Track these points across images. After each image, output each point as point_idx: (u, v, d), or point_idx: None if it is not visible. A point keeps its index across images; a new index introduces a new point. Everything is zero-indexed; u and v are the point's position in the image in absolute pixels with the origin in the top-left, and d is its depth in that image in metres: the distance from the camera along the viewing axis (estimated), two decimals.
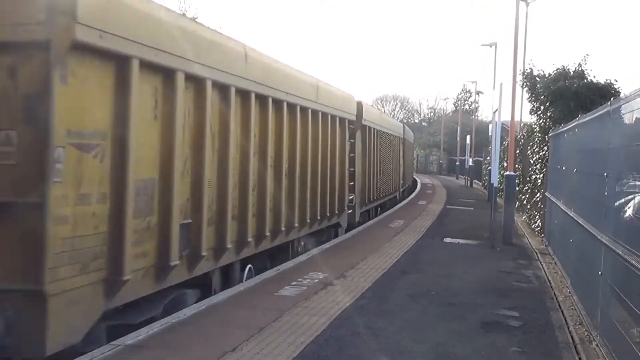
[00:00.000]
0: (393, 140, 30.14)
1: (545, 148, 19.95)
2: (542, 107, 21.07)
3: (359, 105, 20.50)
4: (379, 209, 26.73)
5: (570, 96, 19.83)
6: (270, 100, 12.25)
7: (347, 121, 18.41)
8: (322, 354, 7.56)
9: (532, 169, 22.90)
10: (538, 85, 21.39)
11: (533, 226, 21.52)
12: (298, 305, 9.81)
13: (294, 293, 10.59)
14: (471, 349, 8.13)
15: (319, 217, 15.79)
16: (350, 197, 19.36)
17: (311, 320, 8.95)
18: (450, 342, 8.38)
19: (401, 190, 34.87)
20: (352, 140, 19.62)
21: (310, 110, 14.67)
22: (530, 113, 22.49)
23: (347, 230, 19.28)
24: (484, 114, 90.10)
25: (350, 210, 19.53)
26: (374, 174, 23.69)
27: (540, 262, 15.22)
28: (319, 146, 15.52)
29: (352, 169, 19.63)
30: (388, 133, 27.97)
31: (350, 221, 19.83)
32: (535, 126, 22.87)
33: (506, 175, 20.07)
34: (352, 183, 19.53)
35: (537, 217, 20.85)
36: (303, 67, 14.88)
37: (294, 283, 11.33)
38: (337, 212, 17.57)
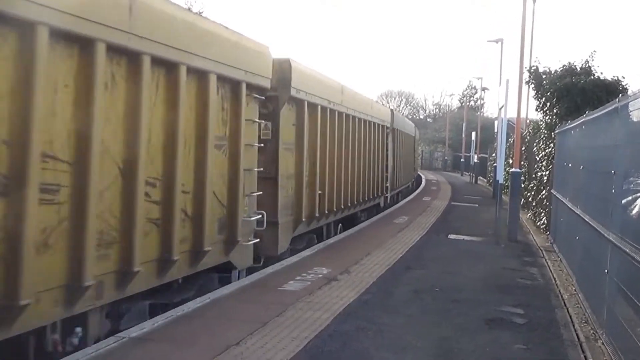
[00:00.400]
0: (373, 129, 21.92)
1: (552, 145, 19.89)
2: (548, 104, 21.00)
3: (283, 65, 12.81)
4: (340, 225, 18.75)
5: (576, 93, 19.76)
6: None
7: (244, 85, 10.48)
8: (325, 349, 7.54)
9: (537, 166, 22.83)
10: (544, 82, 21.32)
11: (538, 223, 21.46)
12: (302, 300, 9.79)
13: (298, 288, 10.57)
14: (475, 345, 8.10)
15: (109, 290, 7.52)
16: (257, 217, 11.42)
17: (315, 315, 8.93)
18: (454, 338, 8.36)
19: (389, 194, 26.19)
20: (266, 122, 12.67)
21: (104, 46, 7.05)
22: (537, 110, 22.43)
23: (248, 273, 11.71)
24: (489, 110, 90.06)
25: (250, 242, 11.22)
26: (324, 177, 15.85)
27: (546, 260, 15.18)
28: (138, 129, 7.78)
29: (264, 170, 12.04)
30: (358, 117, 19.43)
31: (268, 254, 12.84)
32: (541, 123, 22.81)
33: (512, 172, 20.01)
34: (260, 193, 11.65)
35: (543, 214, 20.79)
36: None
37: (298, 278, 11.32)
38: (200, 260, 9.41)
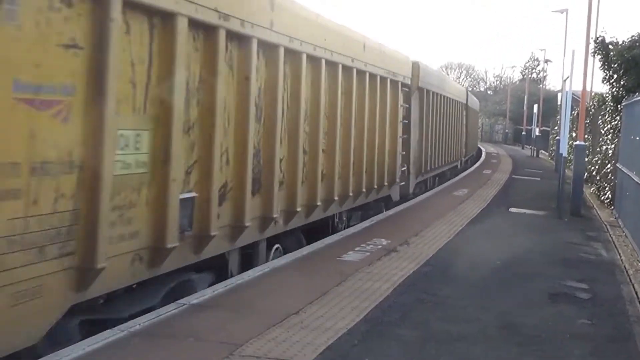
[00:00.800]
0: (368, 84, 14.13)
1: (618, 118, 19.41)
2: (615, 76, 20.43)
3: None
4: (277, 247, 10.77)
5: None
6: None
7: None
8: (385, 320, 7.48)
9: (602, 140, 22.32)
10: (611, 53, 20.74)
11: (602, 198, 21.02)
12: (361, 270, 9.73)
13: (358, 258, 10.52)
14: (538, 319, 7.95)
15: None
16: None
17: (374, 286, 8.87)
18: (517, 311, 8.22)
19: (411, 182, 19.08)
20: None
21: None
22: (603, 82, 21.85)
23: None
24: (551, 83, 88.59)
25: None
26: (210, 162, 8.21)
27: (610, 235, 14.85)
28: None
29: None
30: (327, 60, 11.77)
31: None
32: (607, 95, 22.25)
33: (576, 145, 19.59)
34: None
35: (607, 188, 20.35)
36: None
37: (357, 249, 11.26)
38: None
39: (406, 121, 17.84)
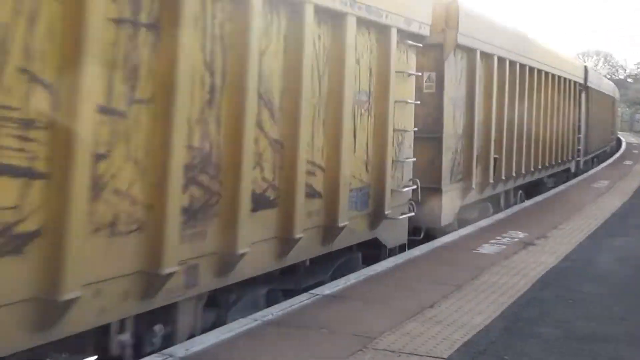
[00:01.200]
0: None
1: None
2: None
3: None
4: None
5: None
6: None
7: None
8: (523, 316, 7.17)
9: None
10: None
11: None
12: (497, 264, 9.43)
13: (493, 251, 10.21)
14: None
15: None
16: None
17: (511, 281, 8.55)
18: None
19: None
20: None
21: None
22: None
23: None
24: None
25: None
26: None
27: None
28: None
29: None
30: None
31: None
32: None
33: None
34: None
35: None
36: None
37: (492, 241, 10.94)
38: None
39: (419, 102, 10.27)
